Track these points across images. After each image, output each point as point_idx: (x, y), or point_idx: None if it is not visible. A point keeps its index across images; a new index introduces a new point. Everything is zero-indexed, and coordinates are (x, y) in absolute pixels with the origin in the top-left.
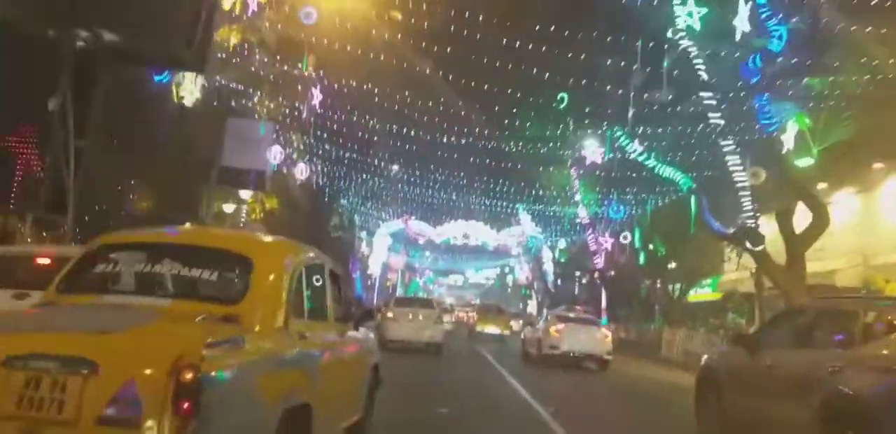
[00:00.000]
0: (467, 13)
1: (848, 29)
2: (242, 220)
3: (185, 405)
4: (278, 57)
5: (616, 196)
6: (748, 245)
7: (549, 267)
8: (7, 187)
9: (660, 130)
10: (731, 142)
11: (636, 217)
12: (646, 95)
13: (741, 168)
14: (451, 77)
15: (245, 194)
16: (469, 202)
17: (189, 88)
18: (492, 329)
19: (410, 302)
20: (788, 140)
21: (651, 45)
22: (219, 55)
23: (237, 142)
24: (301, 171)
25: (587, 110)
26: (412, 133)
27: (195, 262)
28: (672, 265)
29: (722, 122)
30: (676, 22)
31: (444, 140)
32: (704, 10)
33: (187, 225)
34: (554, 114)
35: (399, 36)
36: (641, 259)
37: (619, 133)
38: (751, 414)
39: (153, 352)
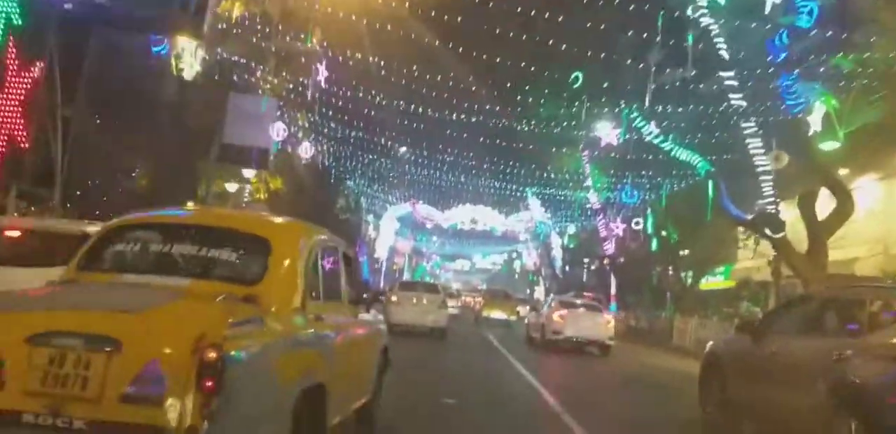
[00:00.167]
0: None
1: (880, 4)
2: (245, 199)
3: (209, 383)
4: (280, 28)
5: (630, 180)
6: (768, 232)
7: (557, 253)
8: None
9: (680, 109)
10: (752, 124)
11: (649, 202)
12: (665, 73)
13: (762, 151)
14: (461, 50)
15: (248, 173)
16: (478, 185)
17: (189, 61)
18: (498, 314)
19: (414, 286)
20: (814, 122)
21: (672, 19)
22: (220, 26)
23: (239, 118)
24: (305, 150)
25: (604, 86)
26: (420, 110)
27: (213, 243)
28: (685, 252)
29: (744, 103)
30: None
31: (454, 117)
32: None
33: (190, 204)
34: (568, 92)
35: (407, 7)
36: (654, 245)
37: (635, 114)
38: (755, 400)
39: (176, 330)
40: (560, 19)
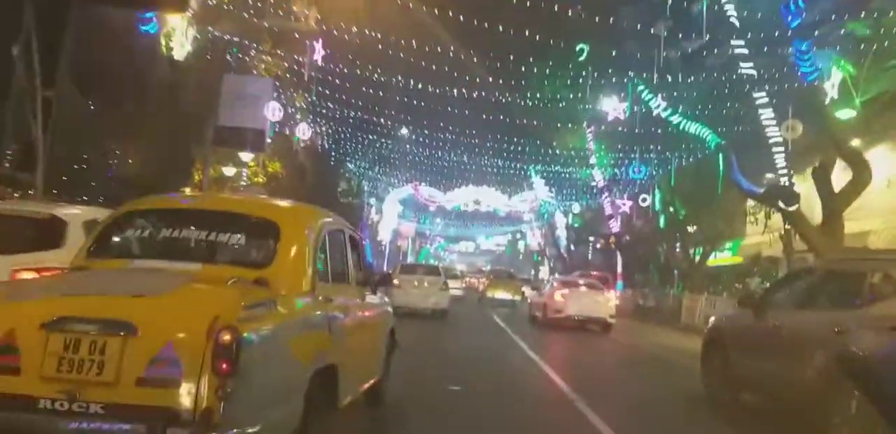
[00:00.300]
0: None
1: None
2: (243, 183)
3: (224, 365)
4: (273, 2)
5: (638, 154)
6: (781, 204)
7: (562, 232)
8: None
9: (691, 78)
10: (764, 94)
11: (657, 178)
12: (673, 43)
13: (775, 122)
14: (461, 22)
15: (246, 157)
16: (481, 165)
17: (179, 40)
18: (502, 295)
19: (415, 269)
20: (830, 89)
21: None
22: (210, 2)
23: (234, 99)
24: (303, 132)
25: (610, 58)
26: (420, 86)
27: (222, 228)
28: (693, 228)
29: (755, 72)
30: None
31: (455, 93)
32: None
33: (188, 190)
34: (573, 65)
35: None
36: (661, 222)
37: (642, 86)
38: (757, 374)
39: (191, 314)
40: None
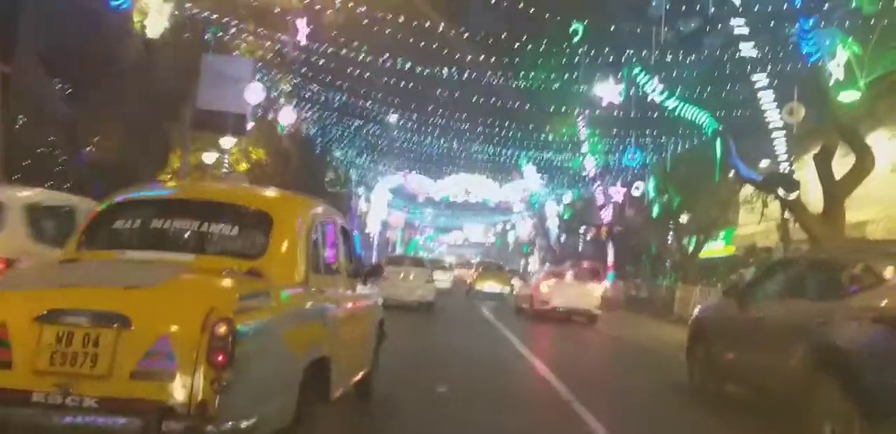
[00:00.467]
0: None
1: None
2: (224, 171)
3: (220, 357)
4: None
5: (633, 140)
6: (781, 192)
7: (552, 222)
8: None
9: (690, 58)
10: (764, 76)
11: (651, 165)
12: (671, 24)
13: (775, 105)
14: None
15: (228, 143)
16: (471, 151)
17: (154, 17)
18: (491, 287)
19: (401, 261)
20: (835, 69)
21: None
22: None
23: (213, 81)
24: (286, 116)
25: (606, 35)
26: (408, 66)
27: (214, 218)
28: (686, 217)
29: (755, 52)
30: None
31: (445, 74)
32: None
33: (164, 177)
34: (567, 46)
35: None
36: (655, 211)
37: (637, 69)
38: (740, 365)
39: (185, 305)
40: None
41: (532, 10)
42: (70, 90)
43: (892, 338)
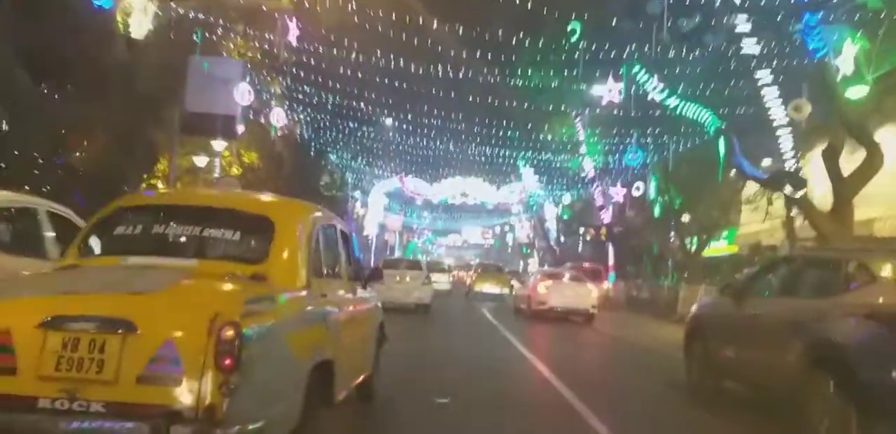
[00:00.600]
0: None
1: None
2: (216, 175)
3: (227, 362)
4: None
5: (634, 139)
6: (788, 190)
7: (551, 224)
8: None
9: (692, 55)
10: (768, 72)
11: (652, 165)
12: (671, 21)
13: (780, 102)
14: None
15: (219, 146)
16: (468, 154)
17: (138, 18)
18: (491, 288)
19: (398, 263)
20: (842, 65)
21: None
22: None
23: (201, 83)
24: (278, 118)
25: (605, 33)
26: (402, 65)
27: (215, 224)
28: (687, 218)
29: (757, 49)
30: None
31: (440, 75)
32: None
33: (150, 182)
34: (565, 45)
35: None
36: (656, 211)
37: (637, 67)
38: (736, 362)
39: (191, 310)
40: None
41: (529, 6)
42: (49, 91)
43: (887, 334)
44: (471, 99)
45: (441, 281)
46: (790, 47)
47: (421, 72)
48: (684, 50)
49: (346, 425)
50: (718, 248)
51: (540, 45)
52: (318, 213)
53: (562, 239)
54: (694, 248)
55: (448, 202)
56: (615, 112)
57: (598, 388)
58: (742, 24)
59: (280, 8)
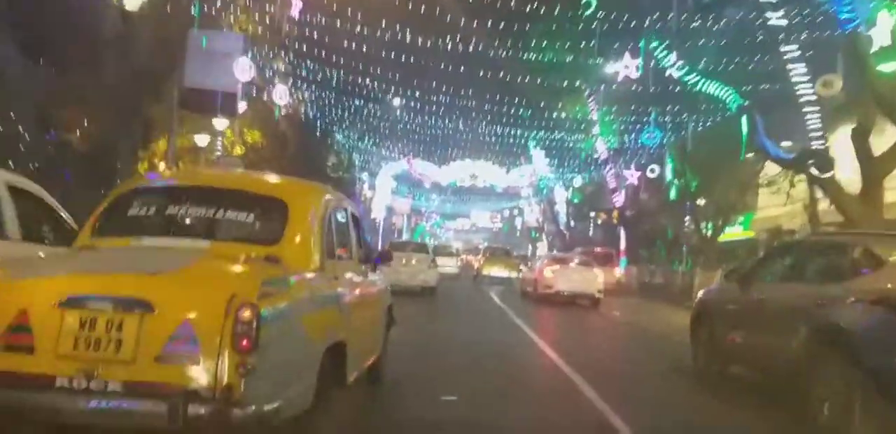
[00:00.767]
0: None
1: None
2: (217, 154)
3: (245, 342)
4: None
5: (651, 118)
6: (814, 171)
7: (561, 208)
8: None
9: (714, 28)
10: (795, 47)
11: (668, 145)
12: None
13: (807, 78)
14: None
15: (220, 125)
16: (477, 134)
17: None
18: (499, 272)
19: (404, 246)
20: (876, 37)
21: None
22: None
23: (201, 59)
24: (281, 96)
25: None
26: (409, 38)
27: (229, 205)
28: (702, 201)
29: (784, 22)
30: None
31: (449, 49)
32: None
33: (148, 160)
34: (582, 18)
35: None
36: (672, 194)
37: (655, 42)
38: (742, 347)
39: (208, 290)
40: None
41: None
42: (39, 64)
43: (893, 320)
44: (480, 74)
45: (449, 265)
46: (820, 18)
47: (429, 44)
48: (707, 22)
49: (356, 406)
50: (734, 232)
51: (554, 16)
52: (331, 195)
53: (572, 223)
54: (710, 232)
55: (457, 185)
56: (633, 88)
57: (606, 373)
58: None
59: None
